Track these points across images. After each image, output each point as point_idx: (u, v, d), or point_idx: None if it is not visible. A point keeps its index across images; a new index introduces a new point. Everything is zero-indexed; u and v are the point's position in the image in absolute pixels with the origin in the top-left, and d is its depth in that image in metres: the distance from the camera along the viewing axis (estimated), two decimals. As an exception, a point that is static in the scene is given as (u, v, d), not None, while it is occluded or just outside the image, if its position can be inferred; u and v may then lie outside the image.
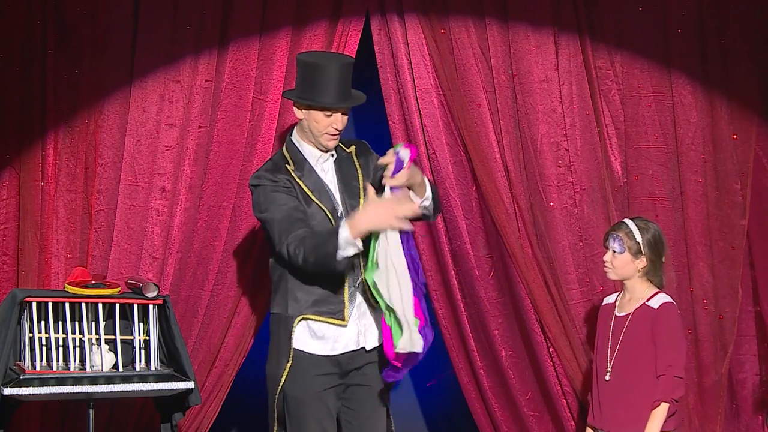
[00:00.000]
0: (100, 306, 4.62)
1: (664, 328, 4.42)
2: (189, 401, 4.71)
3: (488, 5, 5.22)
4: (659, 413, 4.36)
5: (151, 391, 4.59)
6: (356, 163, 4.41)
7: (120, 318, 4.66)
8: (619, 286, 4.70)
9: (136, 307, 4.66)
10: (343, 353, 4.29)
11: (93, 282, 4.70)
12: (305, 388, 4.24)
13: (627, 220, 4.58)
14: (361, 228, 3.99)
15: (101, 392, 4.48)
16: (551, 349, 5.24)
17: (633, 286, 4.54)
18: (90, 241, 5.07)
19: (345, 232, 3.98)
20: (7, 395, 4.39)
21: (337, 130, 4.28)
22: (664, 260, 4.57)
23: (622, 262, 4.52)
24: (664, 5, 5.29)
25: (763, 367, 5.40)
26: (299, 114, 4.30)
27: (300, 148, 4.35)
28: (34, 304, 4.52)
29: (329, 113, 4.25)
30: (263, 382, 5.82)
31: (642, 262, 4.50)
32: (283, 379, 4.23)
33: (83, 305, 4.57)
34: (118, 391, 4.51)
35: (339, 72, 4.22)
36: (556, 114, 5.23)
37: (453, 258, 5.29)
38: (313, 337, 4.26)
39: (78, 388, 4.44)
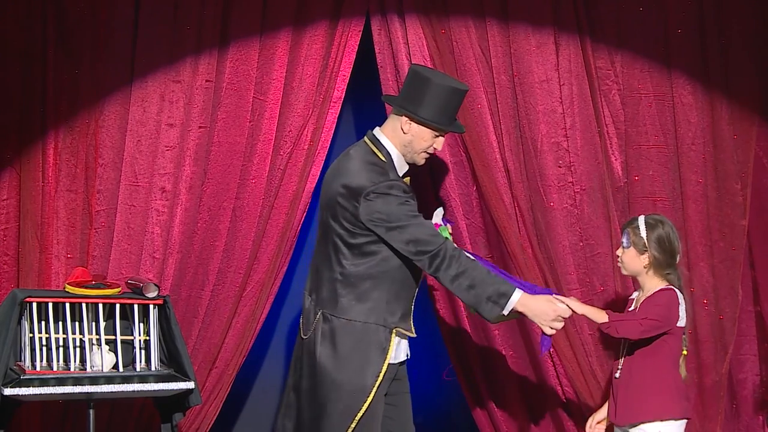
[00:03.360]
0: (101, 306, 4.62)
1: (651, 300, 4.44)
2: (189, 401, 4.71)
3: (488, 5, 5.21)
4: (597, 314, 4.43)
5: (151, 391, 4.59)
6: None
7: (120, 318, 4.66)
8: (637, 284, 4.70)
9: (136, 307, 4.66)
10: (401, 362, 4.40)
11: (93, 282, 4.70)
12: (379, 394, 4.28)
13: (639, 217, 4.58)
14: (528, 310, 4.23)
15: (101, 392, 4.48)
16: (551, 350, 5.24)
17: (644, 283, 4.55)
18: (90, 241, 5.07)
19: (515, 299, 4.20)
20: (7, 395, 4.39)
21: (435, 150, 4.41)
22: (678, 258, 4.55)
23: (628, 257, 4.54)
24: (664, 5, 5.29)
25: (763, 367, 5.40)
26: (407, 128, 4.32)
27: (393, 157, 4.36)
28: (35, 304, 4.51)
29: (439, 134, 4.36)
30: (263, 382, 5.84)
31: (647, 258, 4.51)
32: (374, 390, 4.24)
33: (83, 305, 4.57)
34: (118, 392, 4.51)
35: (462, 99, 4.39)
36: (557, 114, 5.23)
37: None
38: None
39: (78, 389, 4.44)
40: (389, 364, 4.29)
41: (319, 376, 4.28)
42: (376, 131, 4.39)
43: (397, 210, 4.20)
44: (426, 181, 5.27)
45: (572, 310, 4.38)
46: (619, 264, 4.60)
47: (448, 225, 4.58)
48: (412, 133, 4.32)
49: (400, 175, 4.37)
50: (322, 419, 4.27)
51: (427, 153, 4.39)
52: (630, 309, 4.57)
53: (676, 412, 4.46)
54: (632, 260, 4.54)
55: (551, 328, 4.29)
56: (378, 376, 4.24)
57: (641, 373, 4.46)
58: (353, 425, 4.23)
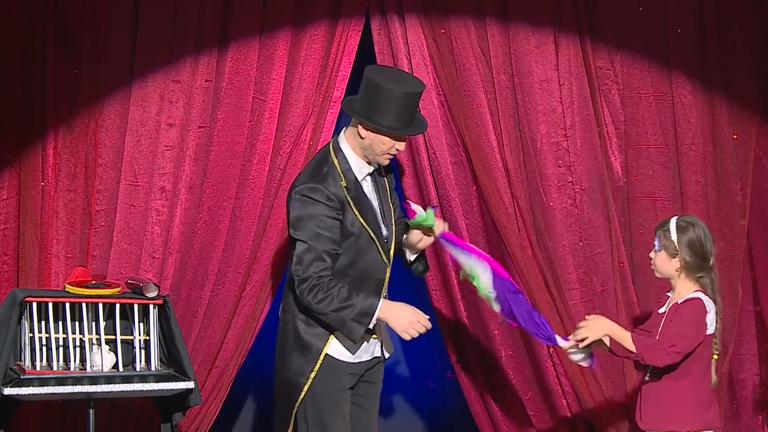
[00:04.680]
0: (101, 306, 4.62)
1: (679, 316, 4.37)
2: (189, 401, 4.72)
3: (488, 5, 5.22)
4: (628, 338, 4.32)
5: (151, 391, 4.59)
6: (386, 179, 4.47)
7: (120, 318, 4.67)
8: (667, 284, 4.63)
9: (136, 307, 4.66)
10: (366, 360, 4.38)
11: (93, 282, 4.70)
12: (335, 387, 4.28)
13: (672, 219, 4.49)
14: (387, 318, 4.19)
15: (101, 392, 4.49)
16: (551, 349, 5.24)
17: (676, 285, 4.47)
18: (90, 241, 5.07)
19: (377, 313, 4.16)
20: (7, 395, 4.39)
21: (398, 152, 4.33)
22: (712, 261, 4.43)
23: (660, 260, 4.46)
24: (664, 5, 5.30)
25: (763, 367, 5.40)
26: (364, 133, 4.26)
27: (348, 160, 4.31)
28: (35, 304, 4.52)
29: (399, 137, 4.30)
30: (264, 382, 5.83)
31: (678, 261, 4.44)
32: (309, 382, 4.25)
33: (83, 305, 4.57)
34: (118, 391, 4.51)
35: (418, 100, 4.29)
36: (556, 114, 5.23)
37: (453, 258, 5.28)
38: (342, 345, 4.30)
39: (78, 388, 4.45)
40: (351, 363, 4.30)
41: (274, 370, 4.39)
42: (341, 135, 4.36)
43: (307, 221, 4.17)
44: (426, 180, 5.27)
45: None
46: (652, 267, 4.54)
47: (434, 209, 4.46)
48: (369, 138, 4.26)
49: (360, 177, 4.32)
50: (274, 411, 4.38)
51: (390, 154, 4.32)
52: (660, 311, 4.50)
53: (699, 424, 4.36)
54: (664, 264, 4.45)
55: (407, 333, 4.21)
56: (308, 376, 4.25)
57: (667, 381, 4.37)
58: (292, 420, 4.29)
